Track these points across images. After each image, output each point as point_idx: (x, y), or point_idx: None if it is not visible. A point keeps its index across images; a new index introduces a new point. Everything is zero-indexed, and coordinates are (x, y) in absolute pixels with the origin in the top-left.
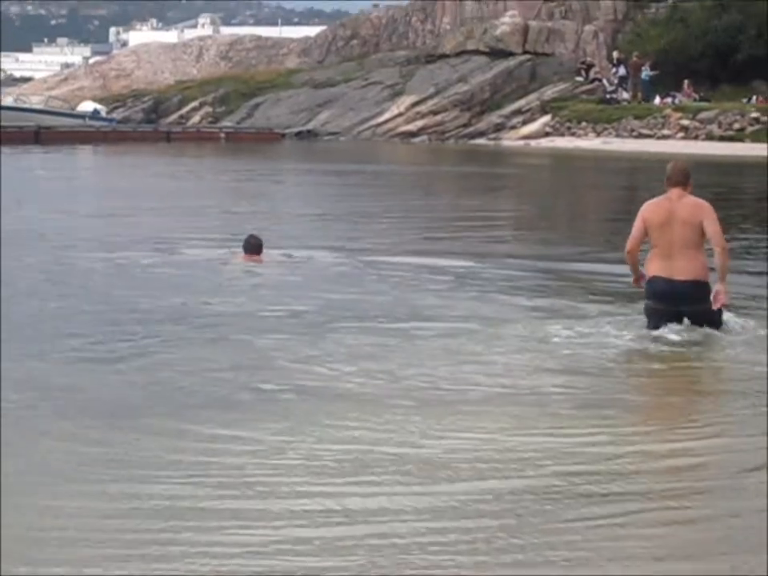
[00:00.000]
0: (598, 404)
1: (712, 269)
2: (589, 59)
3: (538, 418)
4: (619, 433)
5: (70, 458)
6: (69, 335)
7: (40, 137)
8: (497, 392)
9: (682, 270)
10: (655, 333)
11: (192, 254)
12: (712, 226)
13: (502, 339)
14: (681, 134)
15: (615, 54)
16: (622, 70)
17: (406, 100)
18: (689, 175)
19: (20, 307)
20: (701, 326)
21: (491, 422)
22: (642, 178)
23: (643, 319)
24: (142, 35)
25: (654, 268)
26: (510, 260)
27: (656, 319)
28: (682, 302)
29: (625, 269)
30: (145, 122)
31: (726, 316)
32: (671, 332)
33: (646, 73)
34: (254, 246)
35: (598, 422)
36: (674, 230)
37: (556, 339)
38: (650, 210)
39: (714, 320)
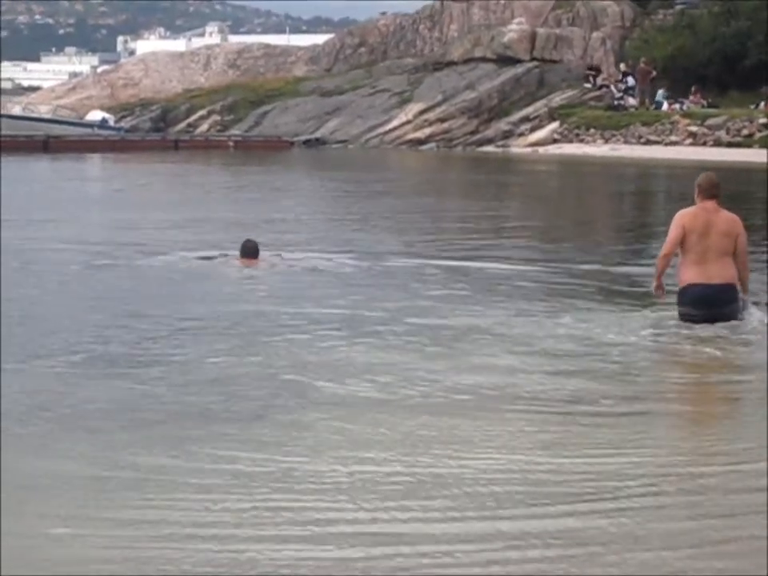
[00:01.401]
0: None
1: None
2: (595, 63)
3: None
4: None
5: (94, 471)
6: (69, 343)
7: (49, 146)
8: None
9: (717, 274)
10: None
11: (188, 259)
12: (743, 241)
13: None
14: (689, 141)
15: (622, 67)
16: (630, 81)
17: (414, 107)
18: (720, 188)
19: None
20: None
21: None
22: (654, 184)
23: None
24: (149, 44)
25: (688, 276)
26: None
27: (692, 324)
28: (717, 305)
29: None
30: (153, 131)
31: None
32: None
33: (661, 94)
34: (250, 250)
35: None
36: (712, 240)
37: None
38: (688, 218)
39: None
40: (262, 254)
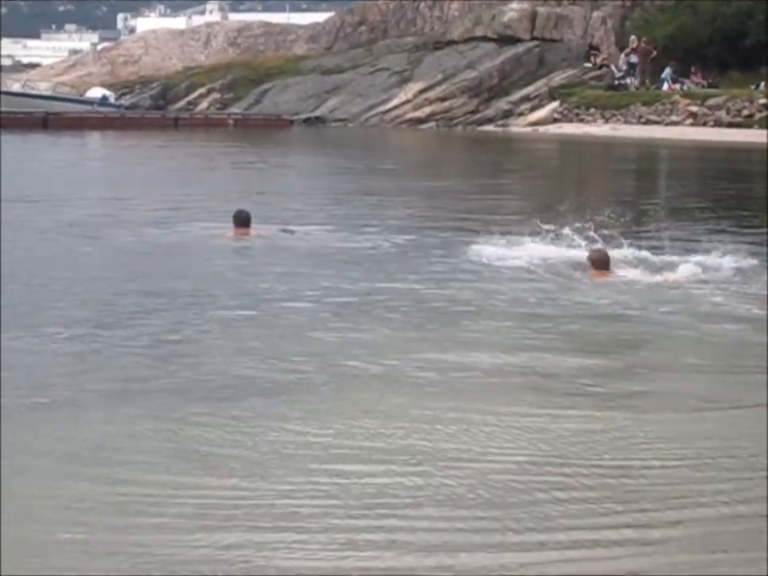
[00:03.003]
0: None
1: None
2: (596, 42)
3: None
4: None
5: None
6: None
7: (48, 123)
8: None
9: None
10: None
11: (183, 231)
12: None
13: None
14: (689, 121)
15: (632, 42)
16: (633, 58)
17: (414, 86)
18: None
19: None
20: None
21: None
22: (657, 163)
23: None
24: (150, 21)
25: None
26: None
27: None
28: None
29: None
30: (153, 109)
31: None
32: None
33: (668, 72)
34: (242, 220)
35: None
36: None
37: None
38: None
39: None
40: (259, 226)
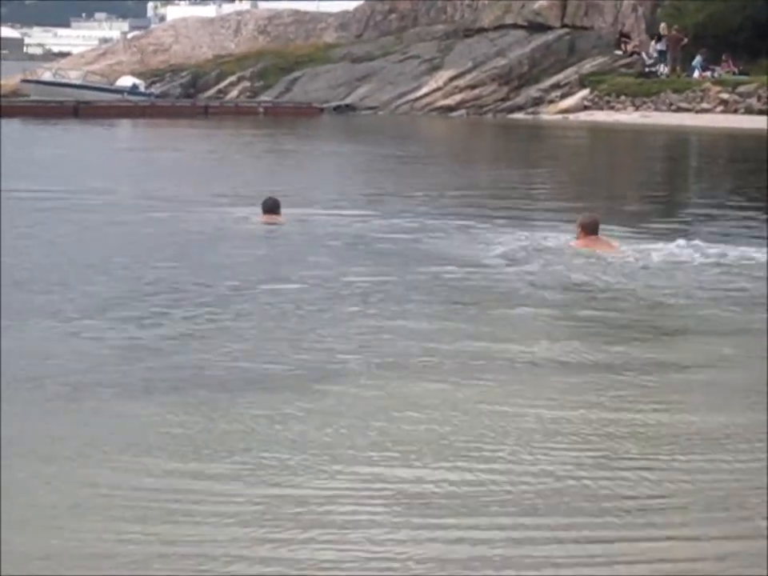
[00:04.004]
0: None
1: None
2: (626, 30)
3: None
4: None
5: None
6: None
7: (79, 111)
8: None
9: None
10: None
11: (213, 215)
12: None
13: None
14: (720, 108)
15: (663, 29)
16: (662, 45)
17: (444, 74)
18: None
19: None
20: None
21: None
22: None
23: None
24: (180, 10)
25: None
26: None
27: None
28: None
29: None
30: (183, 97)
31: None
32: None
33: (699, 60)
34: (272, 206)
35: None
36: None
37: None
38: None
39: None
40: (285, 211)
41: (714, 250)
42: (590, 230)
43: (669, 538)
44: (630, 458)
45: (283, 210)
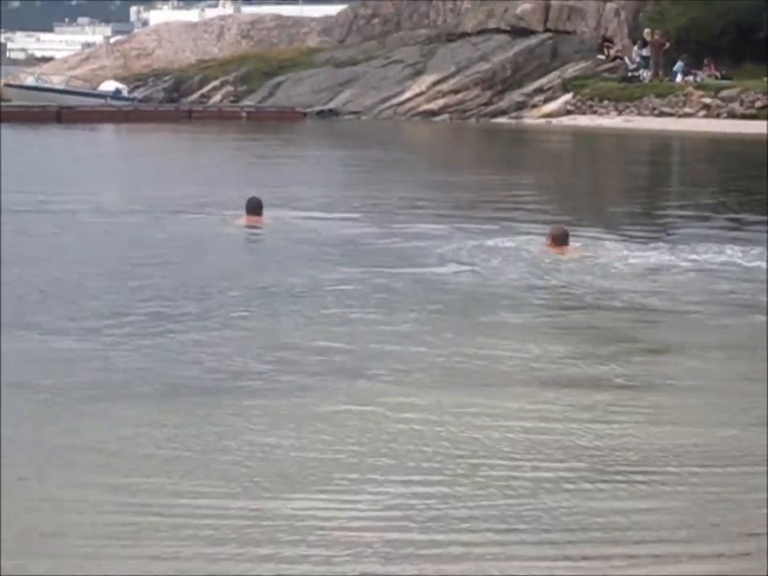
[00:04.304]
0: None
1: None
2: (609, 35)
3: None
4: None
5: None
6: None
7: (62, 116)
8: None
9: None
10: None
11: (193, 218)
12: None
13: None
14: (702, 112)
15: (647, 35)
16: (646, 51)
17: (427, 79)
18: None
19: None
20: None
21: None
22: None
23: None
24: (162, 14)
25: None
26: None
27: None
28: None
29: None
30: (166, 101)
31: None
32: None
33: (680, 65)
34: (254, 207)
35: None
36: None
37: None
38: None
39: None
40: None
41: (694, 254)
42: (559, 240)
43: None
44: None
45: (265, 213)
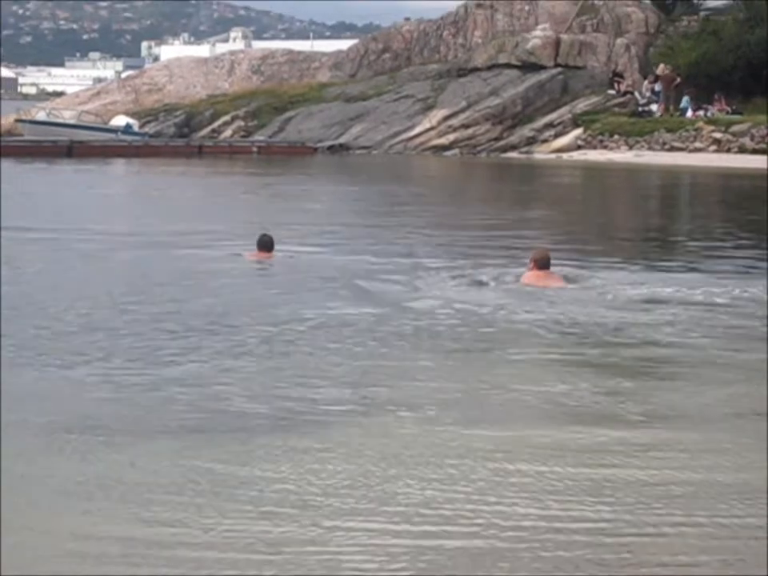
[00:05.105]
0: None
1: None
2: (619, 69)
3: None
4: None
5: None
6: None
7: (73, 151)
8: None
9: None
10: None
11: (203, 253)
12: None
13: None
14: (713, 147)
15: (661, 70)
16: (657, 86)
17: (438, 113)
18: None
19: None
20: None
21: None
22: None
23: None
24: (173, 49)
25: None
26: None
27: None
28: None
29: None
30: (177, 137)
31: None
32: None
33: (686, 100)
34: (265, 244)
35: None
36: None
37: None
38: None
39: None
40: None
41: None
42: (540, 264)
43: None
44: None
45: (276, 248)
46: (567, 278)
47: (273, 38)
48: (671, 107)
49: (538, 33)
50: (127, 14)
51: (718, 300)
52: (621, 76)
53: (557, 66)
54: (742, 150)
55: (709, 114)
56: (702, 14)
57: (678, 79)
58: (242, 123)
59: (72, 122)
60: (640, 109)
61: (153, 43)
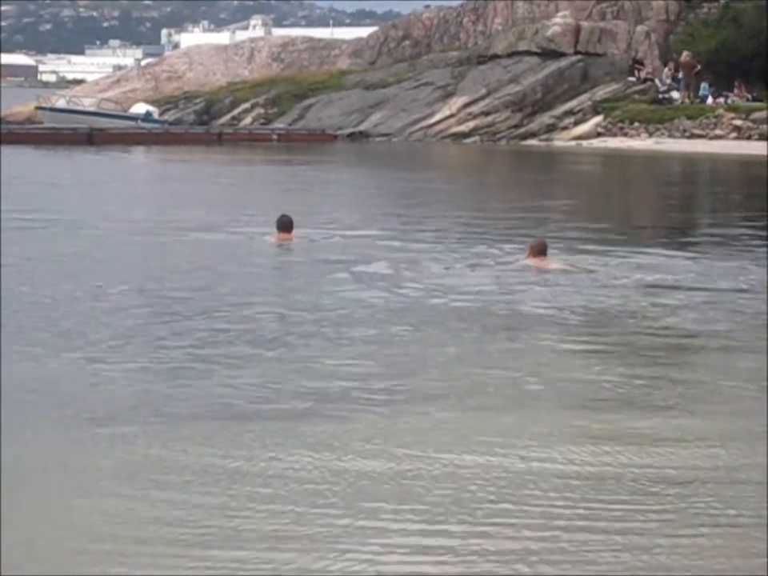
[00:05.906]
0: None
1: None
2: (639, 57)
3: None
4: None
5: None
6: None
7: (93, 138)
8: None
9: None
10: None
11: (225, 236)
12: None
13: None
14: (733, 134)
15: (684, 57)
16: (680, 74)
17: (458, 101)
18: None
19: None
20: None
21: None
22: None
23: None
24: (193, 37)
25: None
26: None
27: None
28: None
29: None
30: (197, 124)
31: None
32: None
33: (704, 87)
34: (285, 225)
35: None
36: None
37: None
38: None
39: None
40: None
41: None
42: (537, 251)
43: None
44: None
45: (297, 231)
46: (570, 264)
47: (293, 25)
48: (691, 94)
49: (558, 20)
50: (147, 2)
51: (743, 286)
52: (641, 63)
53: (577, 53)
54: (763, 136)
55: (729, 101)
56: (722, 0)
57: (699, 66)
58: (261, 111)
59: (92, 109)
60: (660, 96)
61: (173, 31)
